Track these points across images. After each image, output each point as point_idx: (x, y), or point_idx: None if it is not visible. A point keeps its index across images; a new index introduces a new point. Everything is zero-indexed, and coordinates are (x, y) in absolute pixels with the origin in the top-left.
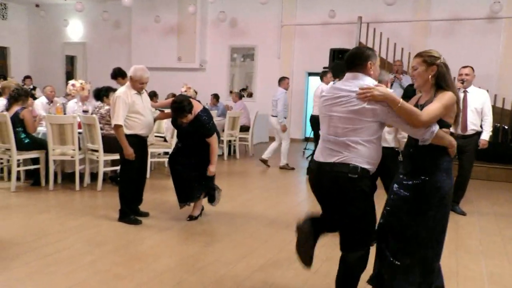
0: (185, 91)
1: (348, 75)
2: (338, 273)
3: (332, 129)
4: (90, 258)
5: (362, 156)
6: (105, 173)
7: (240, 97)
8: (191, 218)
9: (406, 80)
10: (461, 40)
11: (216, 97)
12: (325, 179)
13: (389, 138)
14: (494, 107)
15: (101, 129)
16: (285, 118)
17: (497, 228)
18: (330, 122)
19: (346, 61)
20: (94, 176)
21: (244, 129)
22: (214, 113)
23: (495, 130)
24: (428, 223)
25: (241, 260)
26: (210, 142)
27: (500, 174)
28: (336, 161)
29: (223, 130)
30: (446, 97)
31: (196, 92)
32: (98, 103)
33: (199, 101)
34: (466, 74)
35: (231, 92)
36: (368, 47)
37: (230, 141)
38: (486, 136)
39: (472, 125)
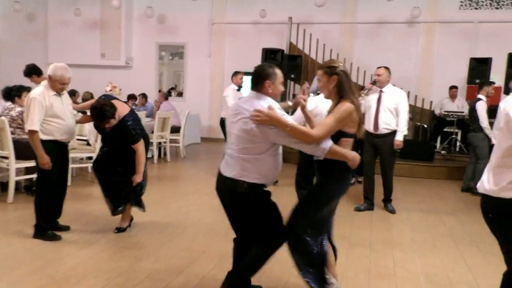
0: (110, 90)
1: (250, 93)
2: (245, 258)
3: (230, 144)
4: (1, 285)
5: (254, 172)
6: (18, 183)
7: (166, 97)
8: (119, 230)
9: None
10: (385, 42)
11: (144, 96)
12: (224, 190)
13: None
14: (415, 107)
15: (12, 133)
16: None
17: (426, 225)
18: (229, 137)
19: (251, 80)
20: (4, 186)
21: (175, 130)
22: (142, 114)
23: (416, 129)
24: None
25: (177, 276)
26: (136, 148)
27: (423, 171)
28: (230, 176)
29: (152, 132)
30: (341, 109)
31: (120, 90)
32: (9, 104)
33: (126, 102)
34: (378, 75)
35: (159, 91)
36: (271, 65)
37: (160, 143)
38: (399, 136)
39: (384, 125)
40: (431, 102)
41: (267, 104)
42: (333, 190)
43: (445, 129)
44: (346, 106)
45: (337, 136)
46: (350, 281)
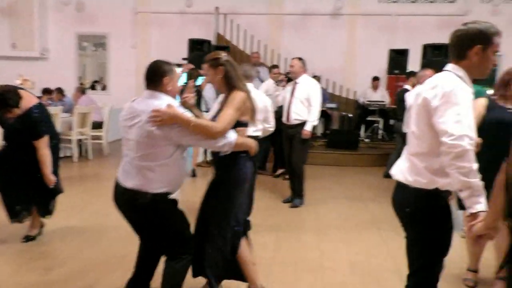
0: (21, 83)
1: (145, 92)
2: (163, 280)
3: (128, 152)
4: None
5: (157, 181)
6: None
7: (83, 91)
8: (28, 238)
9: (263, 73)
10: (312, 34)
11: (60, 91)
12: (123, 201)
13: None
14: (340, 97)
15: None
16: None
17: (352, 213)
18: (126, 144)
19: (144, 78)
20: None
21: (97, 126)
22: (59, 109)
23: (342, 118)
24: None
25: (93, 287)
26: (37, 146)
27: (348, 159)
28: (130, 187)
29: (71, 129)
30: (235, 99)
31: (33, 84)
32: None
33: (40, 97)
34: (291, 66)
35: (81, 84)
36: (166, 62)
37: (80, 140)
38: (308, 126)
39: (295, 115)
40: (355, 92)
41: (165, 103)
42: (240, 180)
43: (368, 118)
44: (239, 95)
45: (233, 126)
46: (278, 276)
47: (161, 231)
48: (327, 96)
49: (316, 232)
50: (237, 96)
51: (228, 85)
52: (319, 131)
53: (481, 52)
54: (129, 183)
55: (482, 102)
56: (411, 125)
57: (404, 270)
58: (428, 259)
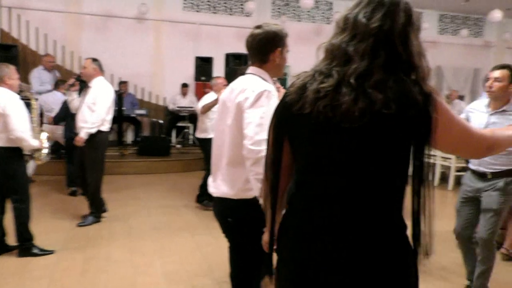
0: None
1: None
2: None
3: None
4: None
5: None
6: None
7: None
8: None
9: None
10: (116, 37)
11: None
12: None
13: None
14: (150, 104)
15: None
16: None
17: (166, 221)
18: None
19: None
20: None
21: None
22: None
23: (153, 125)
24: None
25: None
26: None
27: (161, 166)
28: None
29: None
30: None
31: None
32: None
33: None
34: (84, 67)
35: None
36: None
37: None
38: (82, 132)
39: (80, 122)
40: (165, 98)
41: None
42: None
43: (179, 124)
44: None
45: None
46: None
47: None
48: (136, 102)
49: (128, 247)
50: None
51: None
52: (129, 139)
53: (280, 54)
54: None
55: None
56: (225, 135)
57: (219, 273)
58: (250, 266)
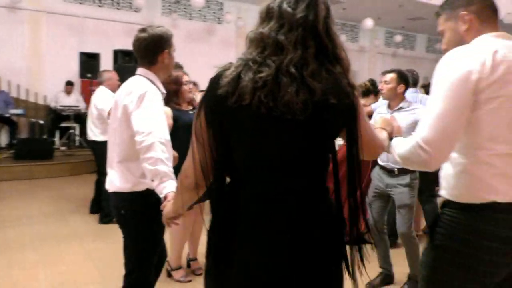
0: None
1: None
2: None
3: None
4: None
5: None
6: None
7: None
8: None
9: None
10: None
11: None
12: None
13: None
14: (28, 102)
15: None
16: None
17: (51, 230)
18: None
19: None
20: None
21: None
22: None
23: (32, 125)
24: None
25: None
26: None
27: (43, 171)
28: None
29: None
30: None
31: None
32: None
33: None
34: None
35: None
36: None
37: None
38: None
39: None
40: (46, 96)
41: None
42: None
43: (63, 124)
44: None
45: None
46: None
47: None
48: (11, 101)
49: (6, 261)
50: None
51: None
52: (4, 142)
53: (168, 55)
54: None
55: (168, 111)
56: (115, 135)
57: (111, 281)
58: (143, 256)
